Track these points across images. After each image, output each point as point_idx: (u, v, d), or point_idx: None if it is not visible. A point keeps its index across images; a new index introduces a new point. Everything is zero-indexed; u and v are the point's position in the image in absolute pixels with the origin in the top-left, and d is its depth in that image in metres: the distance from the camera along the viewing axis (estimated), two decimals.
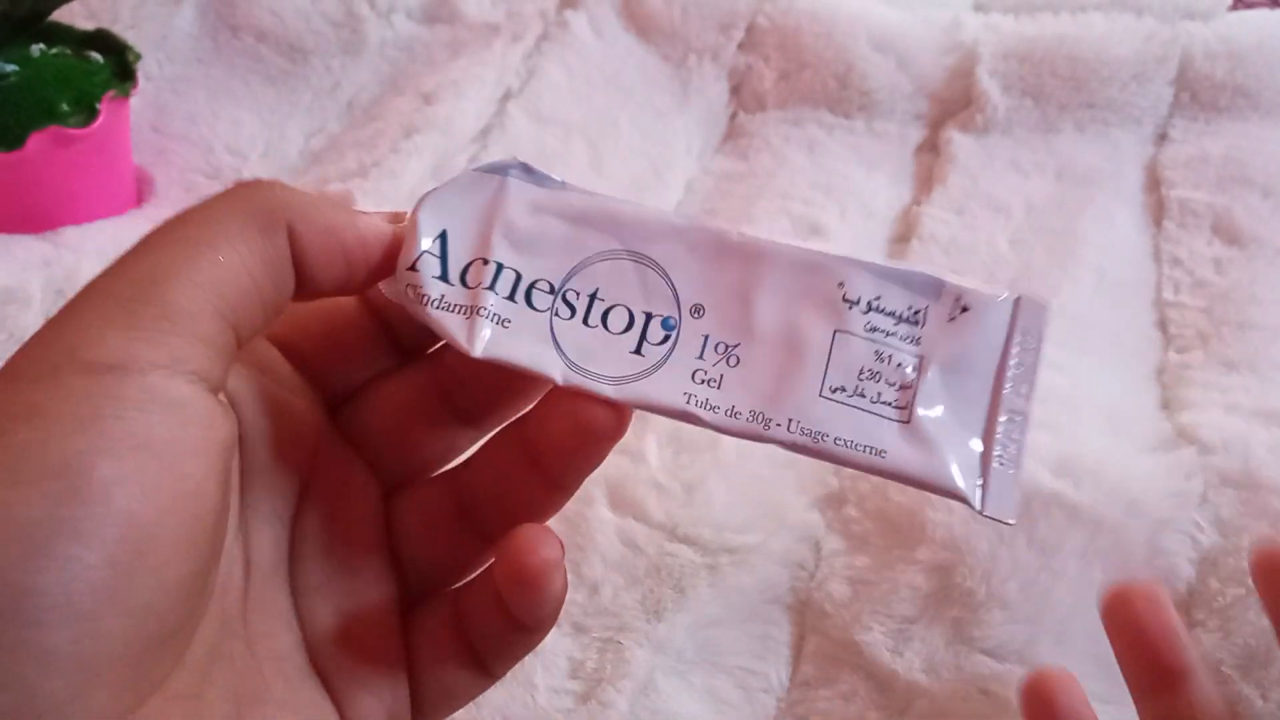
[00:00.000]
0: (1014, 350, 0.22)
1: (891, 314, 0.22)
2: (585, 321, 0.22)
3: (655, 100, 0.67)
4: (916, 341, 0.22)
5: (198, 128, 0.64)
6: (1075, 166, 0.62)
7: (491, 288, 0.22)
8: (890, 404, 0.22)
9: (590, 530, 0.41)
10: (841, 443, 0.21)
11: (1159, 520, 0.41)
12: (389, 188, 0.57)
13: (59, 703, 0.16)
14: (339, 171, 0.60)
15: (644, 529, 0.41)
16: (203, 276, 0.19)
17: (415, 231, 0.22)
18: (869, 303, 0.22)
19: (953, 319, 0.22)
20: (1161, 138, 0.63)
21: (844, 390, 0.22)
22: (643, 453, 0.44)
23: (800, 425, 0.21)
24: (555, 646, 0.38)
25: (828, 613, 0.40)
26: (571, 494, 0.24)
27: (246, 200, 0.20)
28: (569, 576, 0.40)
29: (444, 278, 0.22)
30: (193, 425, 0.18)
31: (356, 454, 0.24)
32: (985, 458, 0.22)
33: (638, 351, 0.22)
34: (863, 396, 0.22)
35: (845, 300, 0.22)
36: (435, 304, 0.22)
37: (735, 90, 0.68)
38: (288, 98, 0.67)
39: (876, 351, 0.22)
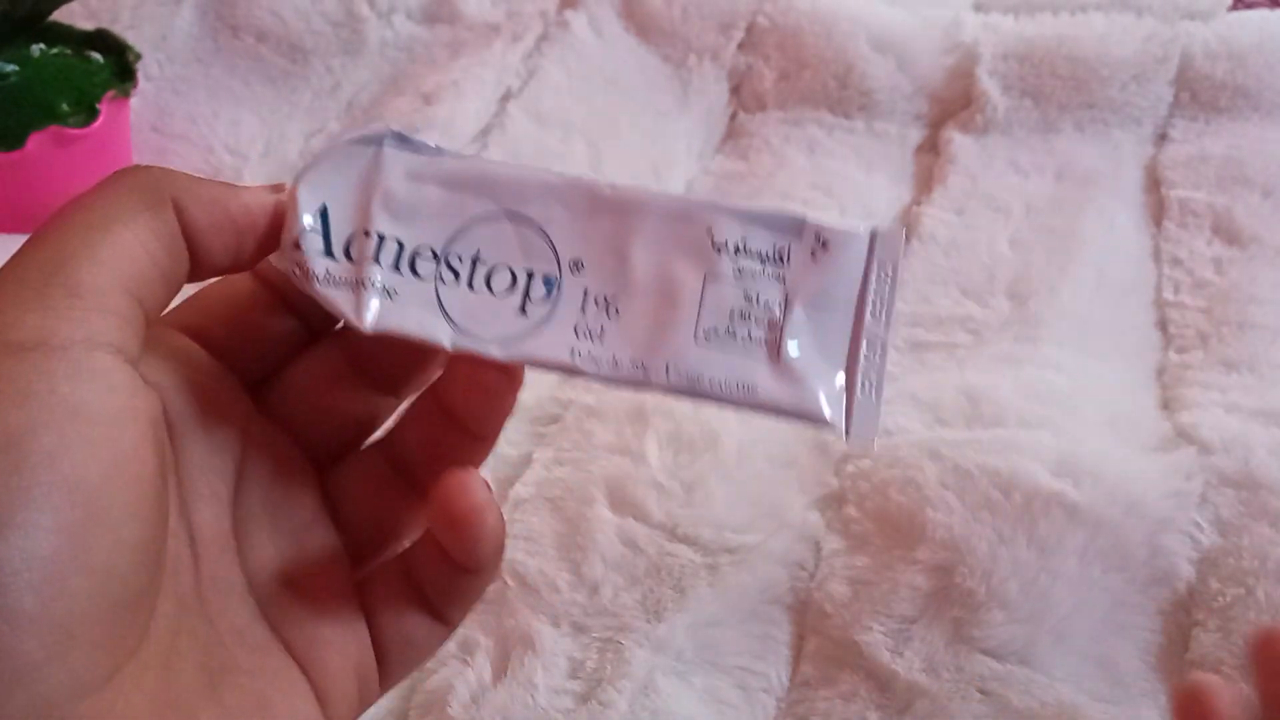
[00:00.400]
0: (872, 281, 0.23)
1: (758, 254, 0.23)
2: (470, 285, 0.23)
3: (655, 100, 0.67)
4: (782, 280, 0.23)
5: (198, 128, 0.64)
6: (1075, 166, 0.62)
7: (376, 259, 0.22)
8: (760, 342, 0.23)
9: (590, 530, 0.41)
10: (715, 384, 0.22)
11: (1159, 520, 0.41)
12: None
13: (36, 663, 0.17)
14: None
15: (644, 529, 0.41)
16: (103, 254, 0.20)
17: (295, 208, 0.22)
18: (736, 246, 0.23)
19: (814, 256, 0.23)
20: (1161, 138, 0.63)
21: (716, 333, 0.23)
22: (643, 453, 0.44)
23: (677, 371, 0.22)
24: (555, 646, 0.38)
25: (828, 613, 0.40)
26: (495, 440, 0.25)
27: (132, 182, 0.21)
28: (569, 576, 0.40)
29: (328, 253, 0.22)
30: (120, 394, 0.19)
31: (285, 432, 0.24)
32: (849, 386, 0.23)
33: (522, 311, 0.23)
34: (734, 337, 0.23)
35: (714, 245, 0.23)
36: (322, 280, 0.22)
37: (735, 90, 0.68)
38: (288, 98, 0.67)
39: (745, 293, 0.23)
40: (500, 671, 0.37)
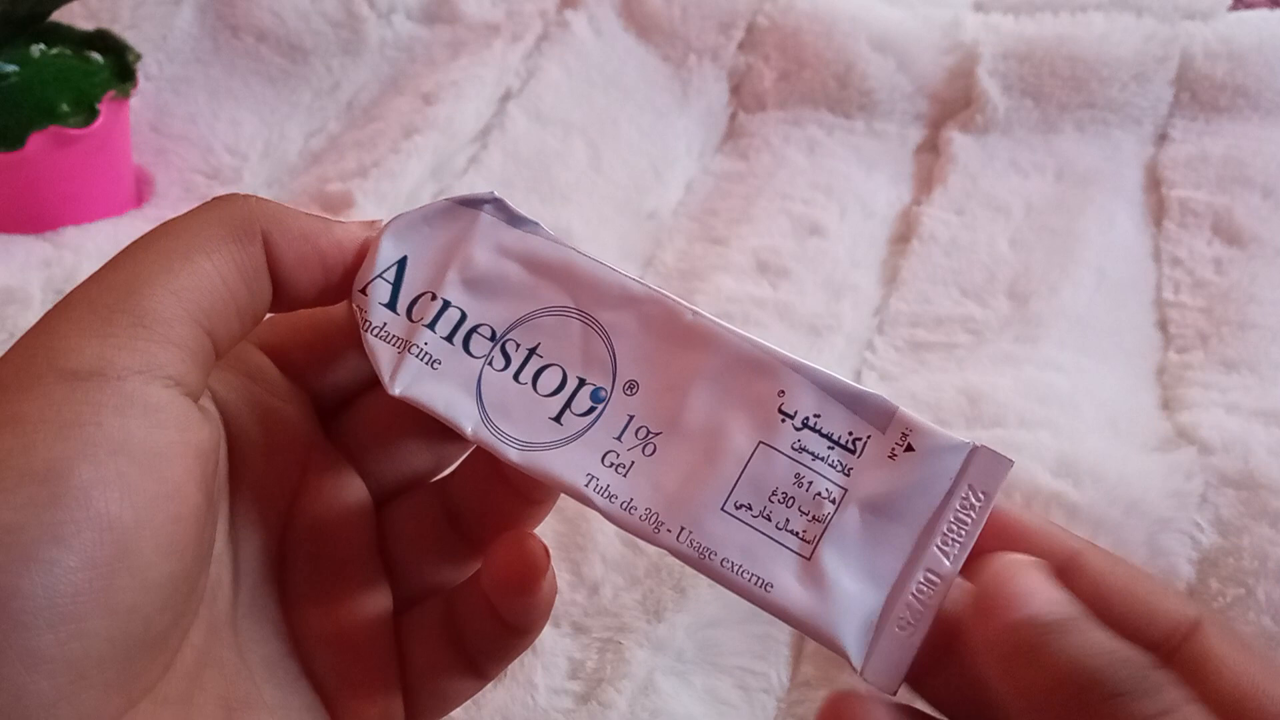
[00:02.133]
0: (954, 505, 0.20)
1: (827, 436, 0.20)
2: (516, 376, 0.22)
3: (655, 100, 0.67)
4: (847, 472, 0.20)
5: (198, 128, 0.64)
6: (1075, 166, 0.62)
7: (432, 325, 0.22)
8: (795, 534, 0.20)
9: (590, 530, 0.41)
10: (729, 565, 0.20)
11: (1159, 520, 0.41)
12: (389, 188, 0.57)
13: (48, 703, 0.17)
14: (339, 171, 0.60)
15: None
16: (178, 284, 0.19)
17: (375, 255, 0.22)
18: (805, 419, 0.20)
19: (893, 456, 0.20)
20: (1161, 138, 0.63)
21: (749, 509, 0.20)
22: None
23: (691, 537, 0.20)
24: (555, 646, 0.38)
25: None
26: (548, 507, 0.24)
27: (222, 211, 0.20)
28: (569, 576, 0.40)
29: (391, 305, 0.22)
30: (170, 429, 0.18)
31: (348, 461, 0.24)
32: (885, 616, 0.20)
33: (558, 419, 0.21)
34: (768, 520, 0.20)
35: (781, 412, 0.20)
36: (375, 331, 0.22)
37: (735, 90, 0.68)
38: (288, 98, 0.67)
39: (797, 474, 0.20)
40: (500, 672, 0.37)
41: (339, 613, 0.23)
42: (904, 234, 0.59)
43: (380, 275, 0.22)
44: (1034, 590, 0.18)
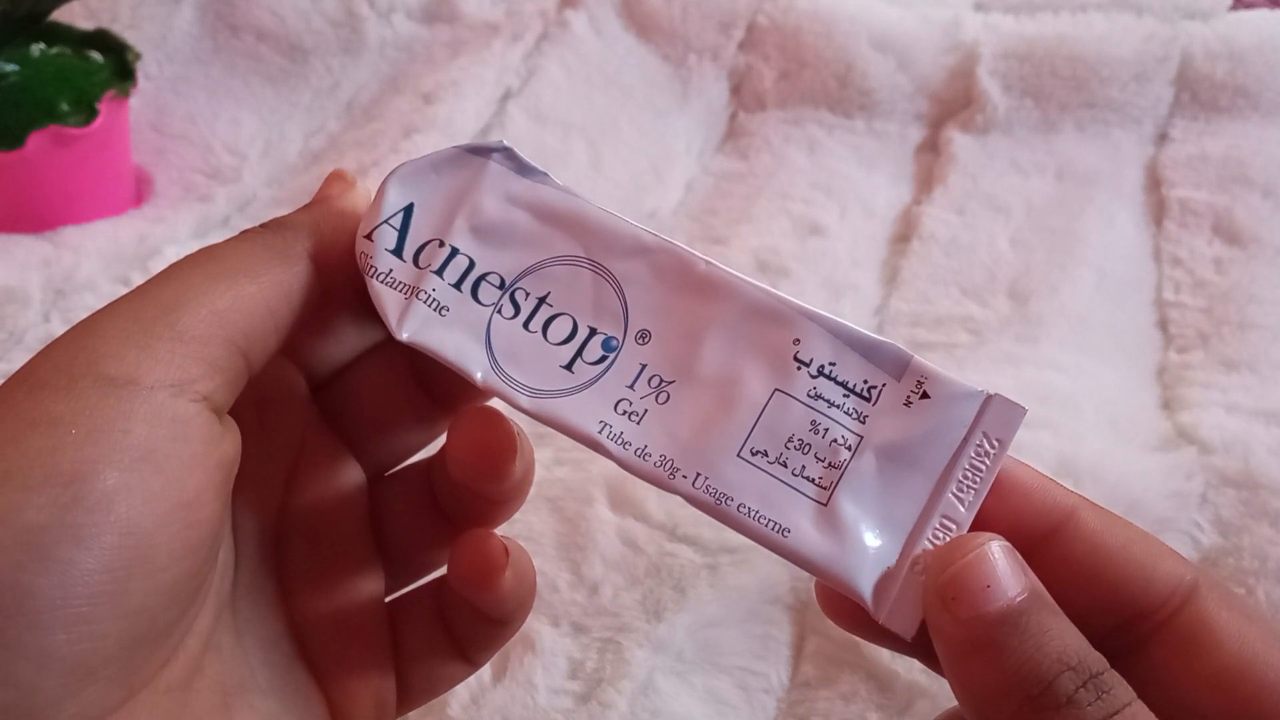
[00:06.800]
0: (969, 452, 0.20)
1: (842, 384, 0.20)
2: (526, 325, 0.21)
3: (655, 100, 0.67)
4: (862, 419, 0.20)
5: (197, 128, 0.64)
6: (1075, 166, 0.62)
7: (440, 272, 0.21)
8: (812, 480, 0.20)
9: (590, 530, 0.41)
10: (745, 510, 0.20)
11: (1159, 520, 0.41)
12: None
13: (53, 700, 0.17)
14: None
15: (644, 529, 0.41)
16: (221, 306, 0.19)
17: (381, 200, 0.21)
18: (821, 367, 0.20)
19: (908, 404, 0.20)
20: (1162, 138, 0.63)
21: (765, 455, 0.20)
22: None
23: (707, 483, 0.20)
24: (555, 646, 0.38)
25: None
26: (515, 505, 0.24)
27: (268, 237, 0.21)
28: (569, 576, 0.40)
29: (397, 252, 0.21)
30: (194, 442, 0.19)
31: (340, 439, 0.24)
32: (901, 562, 0.20)
33: (569, 367, 0.21)
34: (784, 466, 0.20)
35: (796, 359, 0.21)
36: (381, 277, 0.21)
37: (735, 90, 0.68)
38: (288, 98, 0.67)
39: (813, 421, 0.20)
40: (500, 671, 0.37)
41: (335, 594, 0.23)
42: (904, 234, 0.59)
43: (386, 221, 0.21)
44: (990, 580, 0.18)
